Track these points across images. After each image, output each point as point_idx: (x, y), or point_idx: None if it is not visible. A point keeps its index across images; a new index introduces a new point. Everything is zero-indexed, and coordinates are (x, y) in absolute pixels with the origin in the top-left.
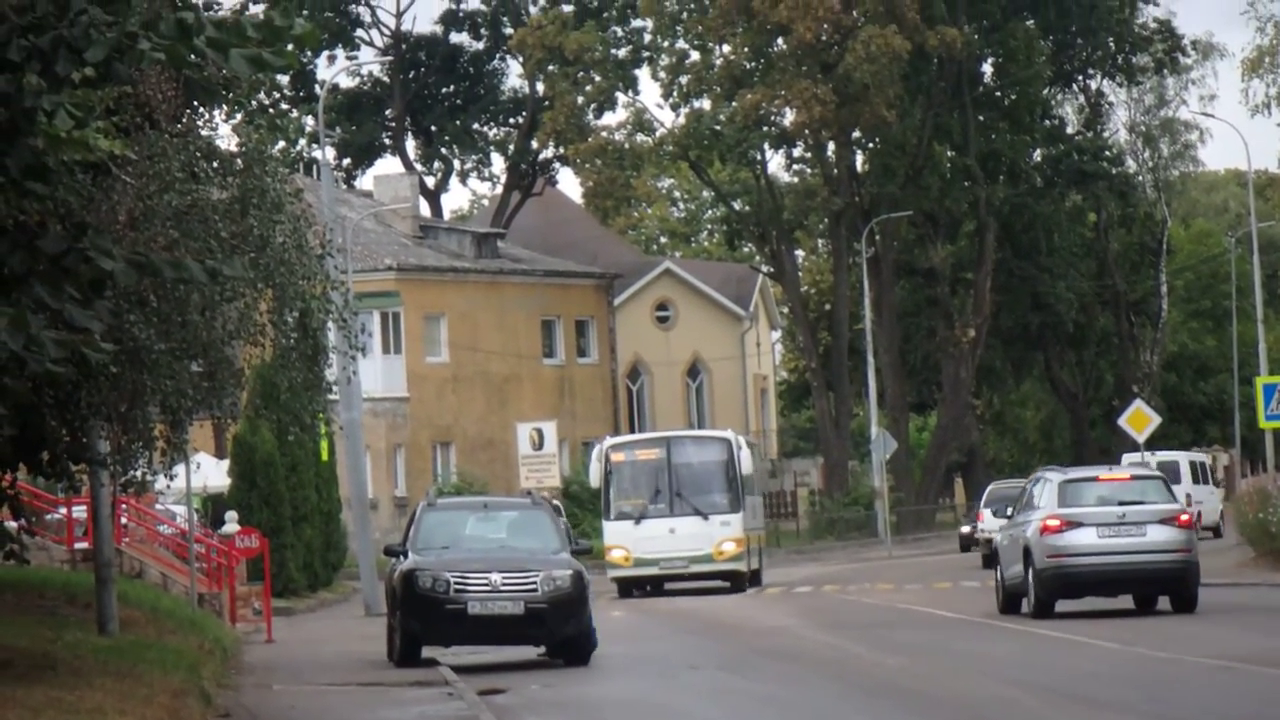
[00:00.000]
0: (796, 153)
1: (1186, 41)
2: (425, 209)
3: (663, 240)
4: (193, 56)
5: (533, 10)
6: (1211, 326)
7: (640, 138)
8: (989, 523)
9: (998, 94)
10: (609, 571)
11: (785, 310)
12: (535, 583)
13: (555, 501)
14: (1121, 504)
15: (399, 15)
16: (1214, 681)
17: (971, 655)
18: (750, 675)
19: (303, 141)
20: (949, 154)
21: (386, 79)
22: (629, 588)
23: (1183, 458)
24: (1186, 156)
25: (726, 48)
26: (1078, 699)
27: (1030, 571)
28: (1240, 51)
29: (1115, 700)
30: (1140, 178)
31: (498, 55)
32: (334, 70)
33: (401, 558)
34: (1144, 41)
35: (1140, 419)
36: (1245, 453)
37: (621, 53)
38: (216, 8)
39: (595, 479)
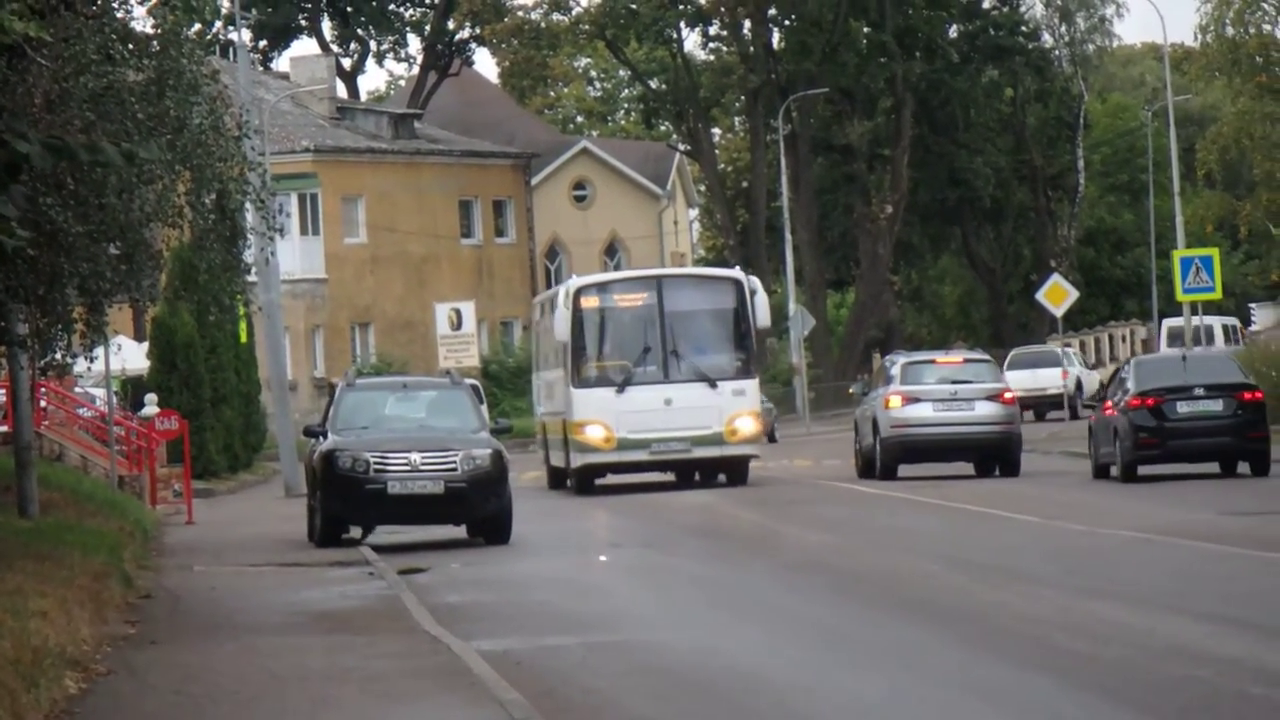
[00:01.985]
0: (713, 30)
1: None
2: (342, 91)
3: (579, 120)
4: None
5: None
6: (1128, 201)
7: (556, 17)
8: None
9: None
10: (576, 457)
11: (702, 188)
12: (455, 462)
13: (473, 381)
14: (955, 383)
15: None
16: (1132, 554)
17: (894, 530)
18: (674, 553)
19: (219, 23)
20: (865, 30)
21: None
22: (591, 476)
23: (1217, 322)
24: (1103, 30)
25: None
26: (999, 572)
27: (877, 440)
28: None
29: (1035, 574)
30: (1057, 52)
31: None
32: None
33: (321, 438)
34: None
35: (1058, 293)
36: (1159, 323)
37: None
38: None
39: (561, 331)
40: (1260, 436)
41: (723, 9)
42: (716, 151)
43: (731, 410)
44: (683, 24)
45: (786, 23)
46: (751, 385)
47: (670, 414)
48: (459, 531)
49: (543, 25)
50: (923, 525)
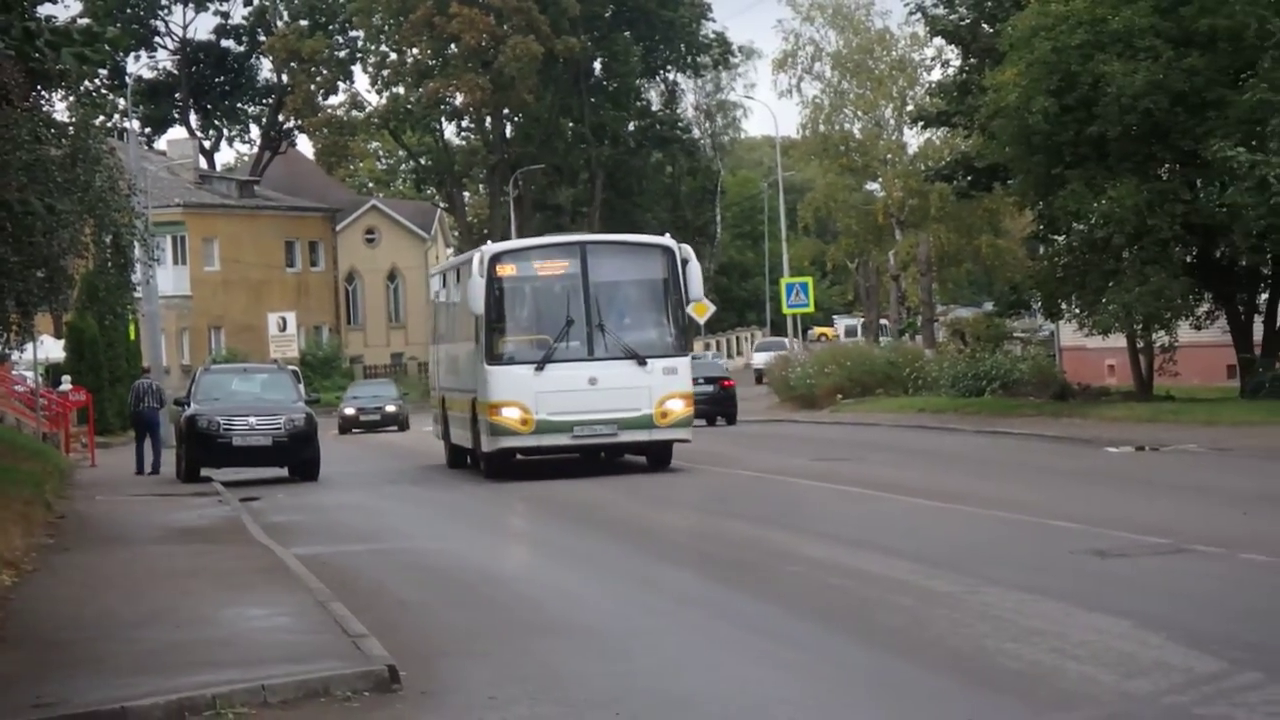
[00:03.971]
0: (464, 124)
1: (735, 47)
2: (203, 163)
3: (371, 185)
4: (36, 54)
5: (279, 24)
6: (751, 244)
7: (355, 113)
8: None
9: (605, 83)
10: (489, 440)
11: (456, 234)
12: (280, 423)
13: (293, 368)
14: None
15: (185, 26)
16: (751, 488)
17: (598, 471)
18: (437, 489)
19: (116, 115)
20: (570, 125)
21: (176, 71)
22: (505, 461)
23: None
24: (734, 126)
25: (416, 50)
26: (665, 502)
27: None
28: (771, 54)
29: (689, 502)
30: (702, 142)
31: (254, 55)
32: (139, 65)
33: (186, 406)
34: (705, 47)
35: (701, 309)
36: (772, 331)
37: (342, 54)
38: (53, 19)
39: (475, 301)
40: (732, 407)
41: (472, 109)
42: (466, 208)
43: (662, 390)
44: (444, 119)
45: (516, 119)
46: (684, 363)
47: (595, 394)
48: (282, 472)
49: (345, 119)
50: (612, 468)
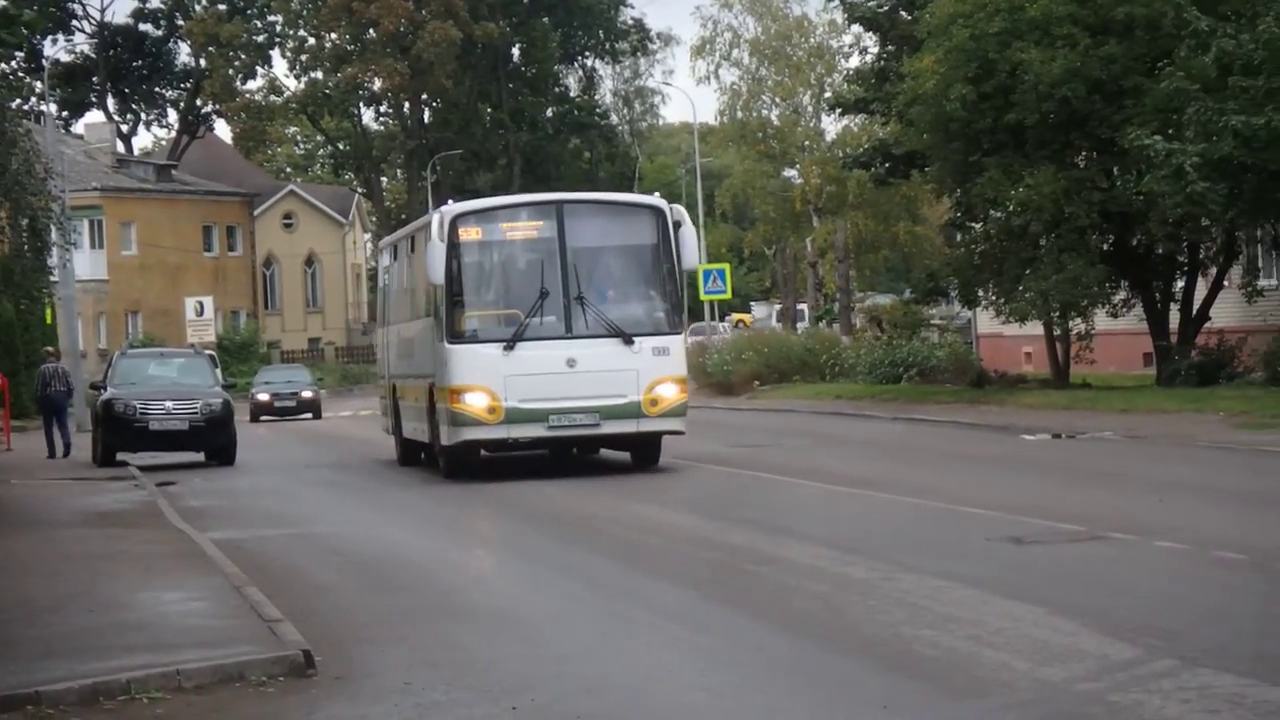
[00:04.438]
0: (382, 109)
1: (654, 33)
2: (121, 147)
3: (288, 170)
4: None
5: (198, 8)
6: None
7: (273, 98)
8: None
9: (523, 69)
10: (450, 431)
11: (374, 219)
12: (197, 408)
13: (210, 352)
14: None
15: (103, 10)
16: (675, 476)
17: (510, 464)
18: (352, 474)
19: (33, 99)
20: (489, 111)
21: (94, 55)
22: (468, 456)
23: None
24: (652, 113)
25: (334, 35)
26: (590, 488)
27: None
28: (690, 40)
29: (611, 490)
30: (620, 128)
31: (172, 39)
32: (56, 48)
33: (103, 390)
34: (624, 33)
35: None
36: (690, 318)
37: (260, 39)
38: None
39: (434, 270)
40: None
41: (390, 94)
42: (384, 193)
43: (652, 374)
44: (362, 104)
45: (434, 104)
46: (676, 342)
47: (574, 379)
48: (199, 456)
49: (263, 104)
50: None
